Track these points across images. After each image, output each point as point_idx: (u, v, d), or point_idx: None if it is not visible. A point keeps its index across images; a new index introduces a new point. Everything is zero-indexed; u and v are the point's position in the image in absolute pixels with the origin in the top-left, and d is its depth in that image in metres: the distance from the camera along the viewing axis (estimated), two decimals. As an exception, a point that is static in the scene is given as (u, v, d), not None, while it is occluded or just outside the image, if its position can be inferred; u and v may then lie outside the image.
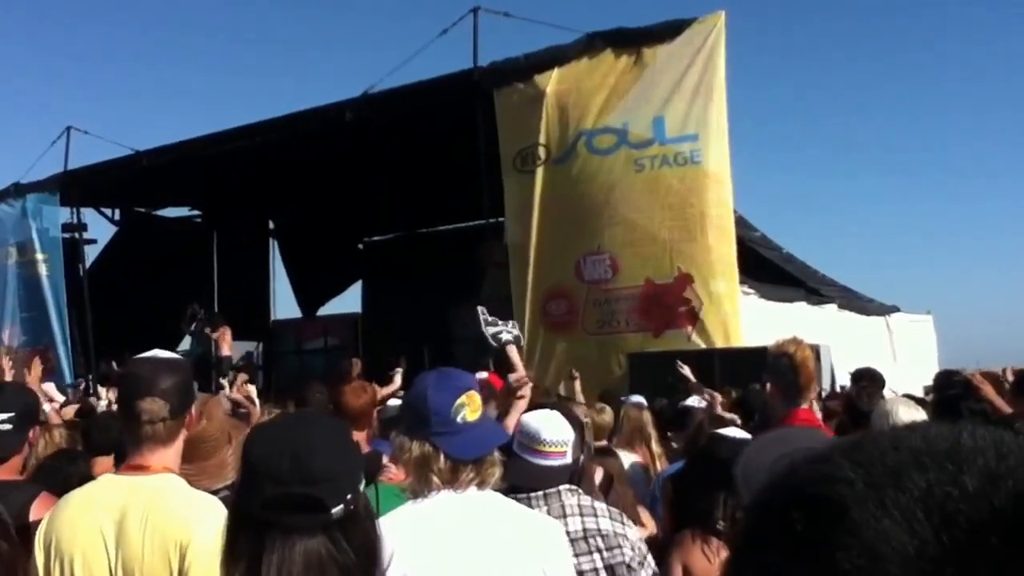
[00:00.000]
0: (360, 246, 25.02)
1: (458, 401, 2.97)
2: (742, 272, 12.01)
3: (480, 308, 6.78)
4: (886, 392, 8.59)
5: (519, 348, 6.81)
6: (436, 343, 18.30)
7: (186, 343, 22.54)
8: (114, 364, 19.30)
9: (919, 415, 4.82)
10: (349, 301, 24.43)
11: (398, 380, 10.90)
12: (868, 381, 8.01)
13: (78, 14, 45.45)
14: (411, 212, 22.04)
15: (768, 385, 4.79)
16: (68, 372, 18.70)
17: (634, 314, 12.18)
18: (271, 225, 23.89)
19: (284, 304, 24.45)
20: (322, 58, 48.39)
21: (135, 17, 46.13)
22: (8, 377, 6.64)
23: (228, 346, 18.79)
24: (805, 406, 4.57)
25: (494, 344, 6.66)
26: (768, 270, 14.59)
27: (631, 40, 12.57)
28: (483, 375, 7.35)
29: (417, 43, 14.38)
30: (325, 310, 24.32)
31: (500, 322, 6.83)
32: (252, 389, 11.04)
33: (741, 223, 13.04)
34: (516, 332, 6.84)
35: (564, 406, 4.89)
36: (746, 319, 11.67)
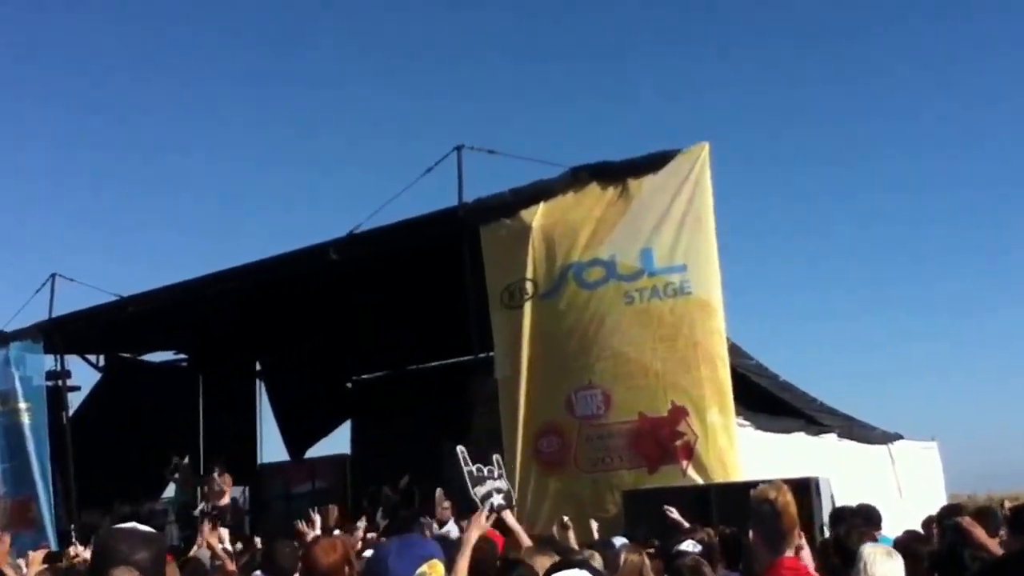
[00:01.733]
0: (349, 385, 24.72)
1: (420, 570, 2.89)
2: (737, 402, 11.73)
3: (460, 449, 6.47)
4: (886, 529, 8.32)
5: (511, 506, 6.46)
6: (427, 482, 17.91)
7: (170, 491, 22.09)
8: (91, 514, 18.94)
9: (896, 567, 4.95)
10: (338, 441, 24.01)
11: (360, 532, 10.54)
12: (862, 520, 7.77)
13: (60, 165, 46.09)
14: (399, 350, 21.89)
15: (751, 533, 4.65)
16: (50, 523, 18.27)
17: (628, 450, 11.83)
18: (258, 367, 23.62)
19: (272, 447, 23.98)
20: (306, 199, 48.97)
21: (117, 166, 46.72)
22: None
23: (228, 494, 18.16)
24: (790, 553, 4.49)
25: (486, 511, 6.37)
26: (764, 399, 14.30)
27: (616, 173, 12.57)
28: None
29: (402, 182, 14.47)
30: (314, 451, 23.86)
31: (485, 471, 6.50)
32: (224, 535, 10.63)
33: (735, 351, 12.83)
34: (505, 486, 6.49)
35: (591, 566, 4.59)
36: (743, 451, 11.35)
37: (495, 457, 6.70)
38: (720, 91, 50.95)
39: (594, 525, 9.98)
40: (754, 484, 5.80)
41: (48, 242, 44.10)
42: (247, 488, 21.74)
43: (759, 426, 12.83)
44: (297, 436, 23.49)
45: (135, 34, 47.62)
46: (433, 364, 22.24)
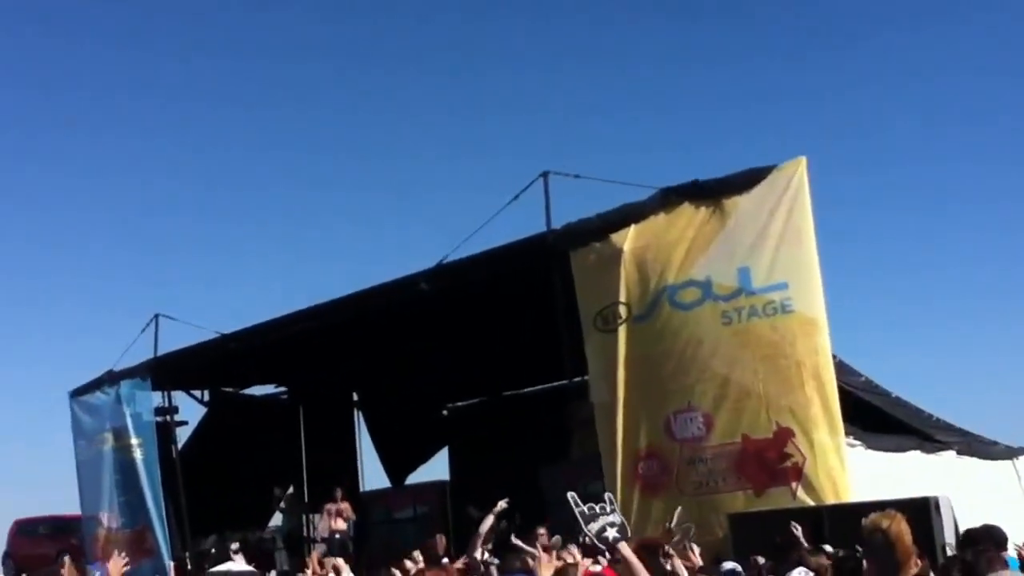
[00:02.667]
0: (444, 412, 24.85)
1: None
2: (846, 421, 11.43)
3: (571, 496, 6.46)
4: (1013, 549, 8.00)
5: (626, 538, 6.39)
6: (528, 507, 17.88)
7: (277, 519, 22.48)
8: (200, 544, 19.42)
9: None
10: (437, 468, 24.14)
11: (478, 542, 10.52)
12: (987, 542, 7.45)
13: (160, 206, 47.30)
14: (493, 376, 21.92)
15: (864, 563, 4.52)
16: (166, 552, 18.80)
17: (733, 472, 11.64)
18: (355, 397, 23.88)
19: (372, 476, 24.19)
20: (395, 228, 49.35)
21: (211, 208, 47.83)
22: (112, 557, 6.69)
23: (345, 519, 18.54)
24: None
25: (602, 546, 6.30)
26: (875, 417, 13.86)
27: (708, 192, 12.41)
28: (597, 568, 7.00)
29: (488, 211, 14.45)
30: (413, 478, 24.01)
31: (597, 508, 6.44)
32: (340, 563, 10.73)
33: (842, 369, 12.54)
34: (619, 520, 6.41)
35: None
36: (854, 472, 11.07)
37: (607, 495, 6.64)
38: (817, 100, 49.42)
39: (696, 550, 9.86)
40: (869, 505, 5.66)
41: (149, 284, 45.29)
42: (320, 517, 21.98)
43: (871, 445, 12.49)
44: (397, 464, 23.68)
45: (230, 67, 48.78)
46: (528, 390, 22.24)
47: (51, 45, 46.03)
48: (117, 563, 6.65)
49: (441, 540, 13.32)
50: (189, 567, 16.80)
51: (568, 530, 13.47)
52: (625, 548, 6.26)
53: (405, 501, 21.34)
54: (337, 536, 17.67)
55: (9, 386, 48.13)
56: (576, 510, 6.21)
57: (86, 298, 48.93)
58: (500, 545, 14.07)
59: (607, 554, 8.44)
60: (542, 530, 13.34)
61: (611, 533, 6.24)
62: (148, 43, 47.16)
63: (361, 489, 23.62)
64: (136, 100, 47.88)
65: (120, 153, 48.25)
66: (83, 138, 47.98)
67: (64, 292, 48.38)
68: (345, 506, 18.40)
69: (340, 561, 12.00)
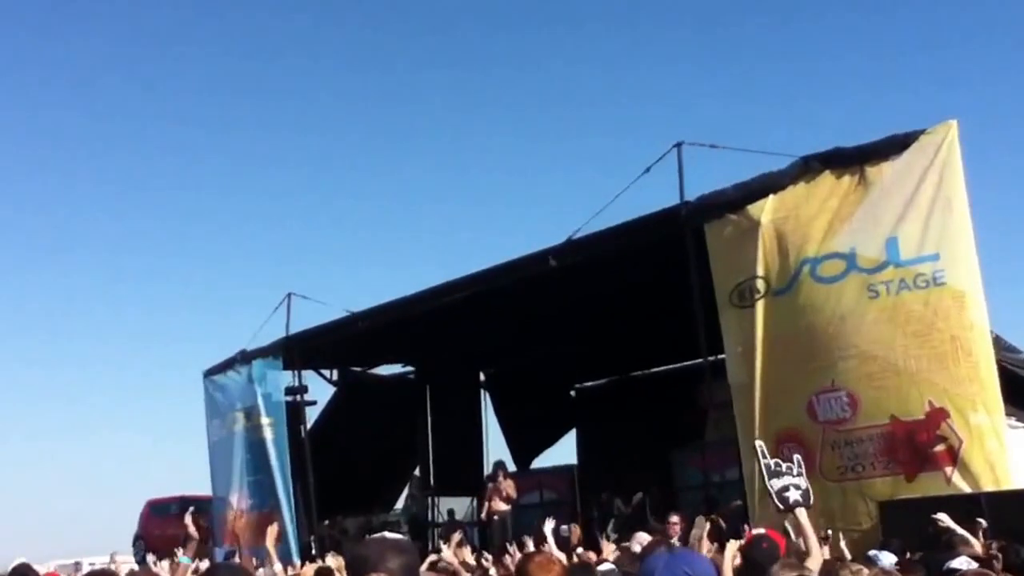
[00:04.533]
0: (572, 393, 24.50)
1: None
2: (1006, 401, 10.65)
3: (758, 444, 6.05)
4: None
5: (808, 505, 5.93)
6: (659, 491, 17.45)
7: (402, 501, 22.51)
8: (331, 526, 19.43)
9: None
10: (564, 451, 23.79)
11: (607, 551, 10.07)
12: None
13: (292, 186, 48.32)
14: (623, 355, 21.47)
15: None
16: (292, 535, 18.76)
17: (881, 456, 10.95)
18: (482, 377, 23.72)
19: (498, 456, 23.99)
20: (524, 204, 49.23)
21: (344, 188, 48.58)
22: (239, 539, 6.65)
23: (506, 500, 17.32)
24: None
25: (781, 506, 5.84)
26: (1038, 397, 12.95)
27: (851, 160, 11.69)
28: (761, 530, 6.53)
29: (620, 183, 14.01)
30: (539, 461, 23.71)
31: (783, 467, 5.99)
32: (466, 552, 10.47)
33: (1000, 345, 11.70)
34: (805, 485, 5.97)
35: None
36: (1015, 456, 10.27)
37: (796, 457, 6.17)
38: (966, 72, 46.89)
39: (842, 540, 9.28)
40: None
41: (283, 263, 46.29)
42: (474, 499, 21.84)
43: (1034, 426, 11.64)
44: (523, 447, 23.41)
45: (352, 57, 49.36)
46: (659, 369, 21.74)
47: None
48: (273, 530, 6.53)
49: (577, 531, 12.90)
50: (314, 550, 16.73)
51: (697, 515, 13.07)
52: (803, 515, 5.81)
53: (531, 487, 21.03)
54: (496, 518, 17.11)
55: (145, 366, 49.98)
56: (763, 462, 5.89)
57: (220, 278, 50.40)
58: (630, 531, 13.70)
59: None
60: (675, 518, 12.89)
61: (793, 495, 5.84)
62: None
63: (485, 472, 23.52)
64: (258, 94, 48.84)
65: (249, 139, 49.41)
66: (217, 125, 49.27)
67: (199, 272, 49.98)
68: (508, 484, 17.41)
69: (466, 551, 11.56)
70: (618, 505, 17.77)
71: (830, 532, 8.48)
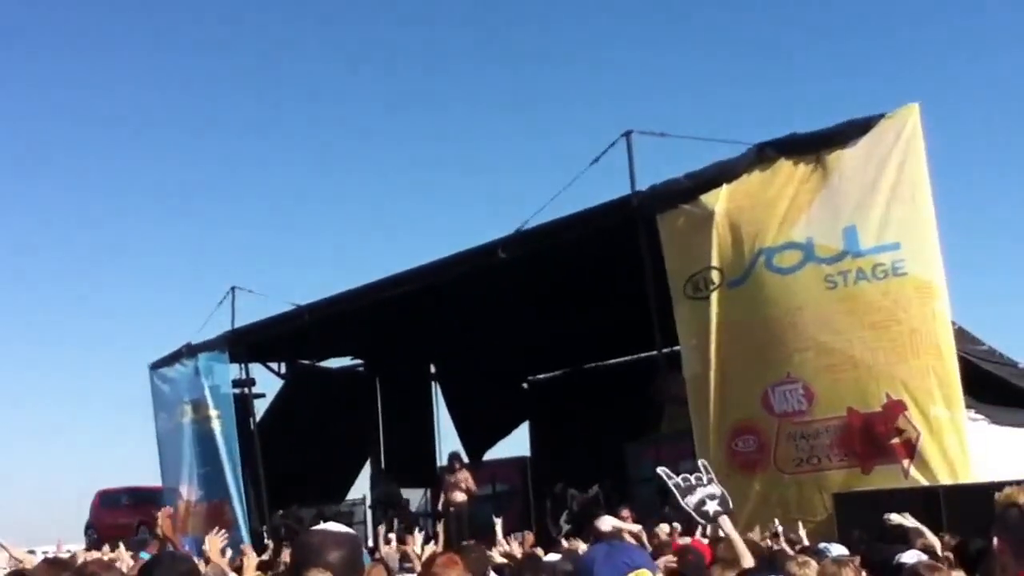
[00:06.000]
0: (524, 385, 24.34)
1: None
2: (967, 394, 10.54)
3: (662, 470, 5.91)
4: None
5: (728, 511, 5.79)
6: (612, 484, 17.29)
7: (354, 492, 22.27)
8: (285, 516, 19.18)
9: None
10: (516, 444, 23.61)
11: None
12: None
13: (235, 178, 47.64)
14: (576, 347, 21.34)
15: (995, 540, 3.79)
16: (244, 525, 18.71)
17: (837, 448, 10.83)
18: (433, 370, 23.50)
19: (449, 448, 23.74)
20: (471, 197, 48.92)
21: (287, 180, 47.97)
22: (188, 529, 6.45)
23: (465, 491, 16.85)
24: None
25: (702, 521, 5.67)
26: (1000, 390, 12.87)
27: (808, 146, 11.53)
28: (686, 539, 6.41)
29: (569, 174, 13.76)
30: (492, 453, 23.53)
31: (692, 479, 5.87)
32: (418, 541, 10.18)
33: (962, 337, 11.62)
34: (718, 491, 5.87)
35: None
36: (976, 449, 10.17)
37: (701, 463, 6.08)
38: (928, 54, 46.55)
39: (802, 530, 9.13)
40: (993, 485, 5.00)
41: (225, 256, 45.66)
42: (428, 491, 21.62)
43: (995, 420, 11.61)
44: (475, 439, 23.23)
45: (299, 49, 48.72)
46: (613, 361, 21.63)
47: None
48: (215, 540, 6.27)
49: (530, 537, 12.67)
50: (266, 540, 16.48)
51: (652, 509, 12.91)
52: (727, 523, 5.69)
53: (484, 478, 20.81)
54: (452, 509, 16.75)
55: (91, 360, 49.12)
56: (670, 483, 5.74)
57: (164, 272, 49.62)
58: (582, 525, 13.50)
59: (706, 531, 7.78)
60: (626, 511, 12.71)
61: (712, 506, 5.75)
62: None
63: (438, 464, 23.27)
64: (201, 87, 48.08)
65: (192, 134, 48.62)
66: (161, 119, 48.43)
67: (142, 266, 49.14)
68: (465, 475, 16.98)
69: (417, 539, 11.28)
70: (572, 495, 17.59)
71: (780, 527, 8.28)
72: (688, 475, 5.96)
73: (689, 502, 5.72)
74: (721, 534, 7.73)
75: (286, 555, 10.19)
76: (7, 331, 45.60)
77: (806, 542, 8.62)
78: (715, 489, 5.88)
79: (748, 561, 5.50)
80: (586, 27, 50.77)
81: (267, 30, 48.25)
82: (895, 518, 8.14)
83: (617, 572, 2.81)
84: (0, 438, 46.21)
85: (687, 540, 7.80)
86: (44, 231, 47.68)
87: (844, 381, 10.82)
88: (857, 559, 6.78)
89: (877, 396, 10.54)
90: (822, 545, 7.47)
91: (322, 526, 3.02)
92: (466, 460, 19.43)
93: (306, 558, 2.81)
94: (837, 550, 7.09)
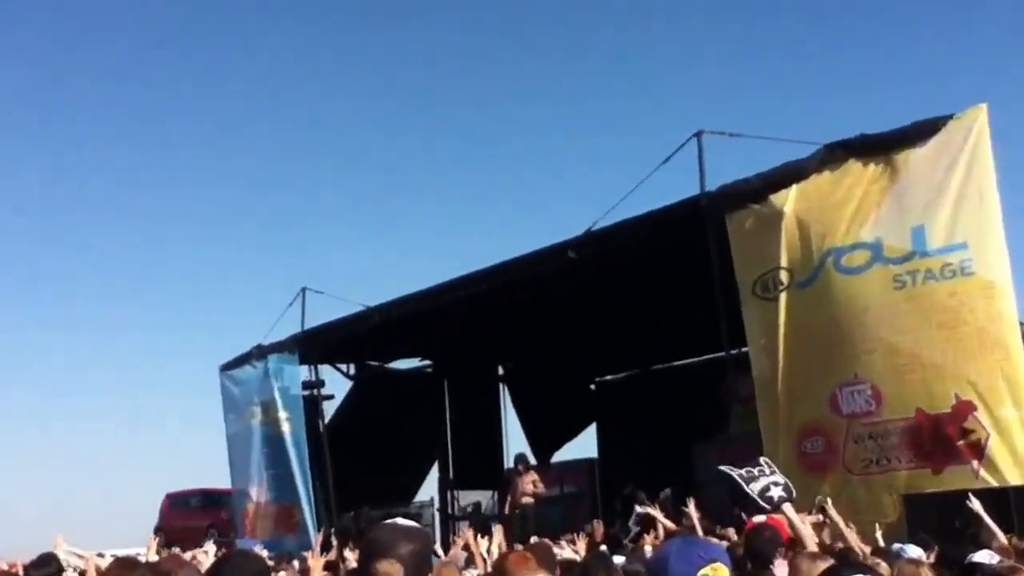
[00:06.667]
0: (592, 387, 24.35)
1: (702, 572, 2.77)
2: (1037, 393, 10.39)
3: (726, 468, 5.97)
4: None
5: (791, 498, 5.85)
6: (680, 486, 17.26)
7: (421, 495, 22.43)
8: (355, 517, 19.36)
9: None
10: (584, 446, 23.64)
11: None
12: None
13: (306, 181, 48.37)
14: (644, 349, 21.32)
15: None
16: (311, 528, 18.71)
17: (907, 449, 10.73)
18: (501, 371, 23.60)
19: (517, 450, 23.84)
20: (543, 202, 49.00)
21: (358, 182, 48.57)
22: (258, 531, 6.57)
23: (531, 493, 17.00)
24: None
25: (767, 507, 5.74)
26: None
27: (877, 147, 11.46)
28: (761, 518, 6.44)
29: (639, 174, 13.82)
30: (560, 455, 23.59)
31: (755, 471, 5.93)
32: (483, 543, 10.32)
33: (1031, 336, 11.44)
34: (781, 479, 5.93)
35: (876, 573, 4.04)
36: (1047, 450, 10.03)
37: (762, 459, 6.13)
38: (997, 57, 45.74)
39: (879, 531, 9.10)
40: None
41: (296, 257, 46.34)
42: (495, 493, 21.76)
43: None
44: (543, 440, 23.31)
45: (373, 53, 49.33)
46: (681, 363, 21.59)
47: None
48: (318, 561, 6.51)
49: (600, 528, 12.72)
50: (334, 543, 16.65)
51: (721, 511, 12.89)
52: (790, 510, 5.76)
53: (552, 480, 20.89)
54: (518, 511, 16.64)
55: (162, 361, 50.14)
56: (733, 474, 5.82)
57: (235, 273, 50.45)
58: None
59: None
60: (691, 508, 12.69)
61: (776, 492, 5.80)
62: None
63: (505, 467, 23.41)
64: (274, 90, 48.87)
65: (265, 135, 49.44)
66: (232, 121, 49.35)
67: (214, 268, 50.02)
68: (531, 478, 16.97)
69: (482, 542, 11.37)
70: (641, 497, 17.61)
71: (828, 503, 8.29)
72: (751, 468, 6.03)
73: (753, 488, 5.79)
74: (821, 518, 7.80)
75: (351, 556, 10.34)
76: (79, 335, 46.75)
77: (881, 543, 8.60)
78: (778, 478, 5.96)
79: (811, 544, 5.58)
80: (658, 27, 50.64)
81: (357, 31, 48.96)
82: (975, 504, 8.06)
83: (692, 565, 2.80)
84: (72, 441, 47.35)
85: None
86: (116, 233, 48.88)
87: (912, 381, 10.72)
88: (932, 557, 6.82)
89: (946, 396, 10.43)
90: (896, 546, 7.46)
91: (392, 521, 3.00)
92: (533, 462, 19.58)
93: (376, 550, 2.81)
94: (913, 551, 7.09)
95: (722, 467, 6.36)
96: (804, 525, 5.66)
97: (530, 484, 16.87)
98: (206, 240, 49.44)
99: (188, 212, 49.46)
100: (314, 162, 49.34)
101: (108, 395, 49.18)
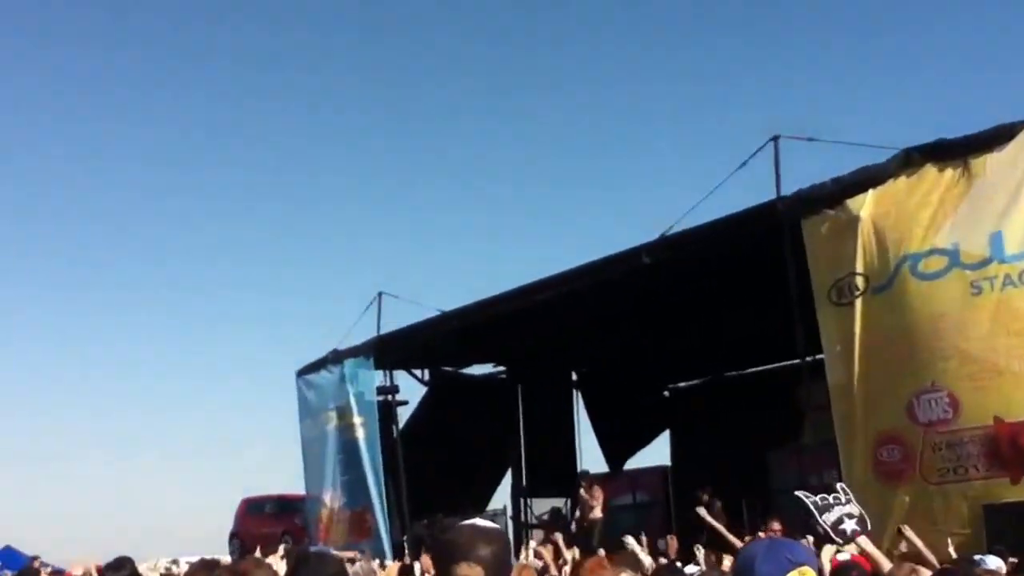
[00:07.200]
0: (666, 394, 24.21)
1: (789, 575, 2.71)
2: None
3: (802, 494, 5.93)
4: None
5: (866, 531, 5.78)
6: (755, 495, 17.13)
7: (494, 503, 22.45)
8: (428, 524, 19.45)
9: None
10: (657, 453, 23.50)
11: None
12: None
13: (384, 184, 48.85)
14: (718, 355, 21.13)
15: None
16: (385, 534, 18.88)
17: (984, 458, 10.56)
18: (574, 376, 23.58)
19: (590, 457, 23.83)
20: (617, 205, 48.76)
21: (434, 187, 48.93)
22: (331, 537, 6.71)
23: (599, 507, 17.44)
24: None
25: (839, 540, 5.70)
26: None
27: (954, 152, 11.31)
28: (845, 556, 6.40)
29: (715, 178, 13.80)
30: (633, 462, 23.48)
31: (830, 498, 5.87)
32: (546, 551, 10.41)
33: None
34: (856, 511, 5.84)
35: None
36: None
37: (839, 485, 6.06)
38: None
39: (951, 546, 8.96)
40: None
41: (373, 262, 46.79)
42: (568, 500, 21.74)
43: None
44: (615, 447, 23.19)
45: (432, 52, 49.78)
46: (755, 369, 21.37)
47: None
48: (393, 567, 6.62)
49: (672, 542, 12.71)
50: (407, 549, 16.75)
51: (796, 520, 12.75)
52: (867, 542, 5.67)
53: (623, 487, 20.84)
54: (585, 525, 16.85)
55: (239, 366, 51.02)
56: (808, 501, 5.75)
57: (313, 278, 51.08)
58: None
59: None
60: (776, 524, 12.61)
61: (849, 525, 5.70)
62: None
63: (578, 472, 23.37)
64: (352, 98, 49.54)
65: (341, 142, 50.11)
66: (310, 130, 50.14)
67: (291, 273, 50.74)
68: (595, 493, 17.30)
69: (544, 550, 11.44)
70: (716, 505, 17.50)
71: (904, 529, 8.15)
72: (826, 495, 5.97)
73: (827, 519, 5.73)
74: (903, 547, 7.69)
75: (424, 562, 10.42)
76: (157, 339, 47.76)
77: (953, 554, 8.47)
78: (853, 508, 5.86)
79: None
80: (735, 34, 50.25)
81: (414, 41, 49.50)
82: None
83: (780, 568, 2.73)
84: (148, 445, 48.36)
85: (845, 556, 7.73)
86: (192, 238, 49.83)
87: (988, 389, 10.56)
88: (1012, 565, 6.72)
89: (1023, 405, 10.26)
90: (976, 557, 7.36)
91: (470, 522, 2.86)
92: (593, 474, 19.59)
93: (455, 553, 2.70)
94: (992, 562, 6.99)
95: (797, 492, 6.31)
96: (881, 557, 5.60)
97: (594, 499, 16.93)
98: (284, 244, 50.23)
99: (267, 215, 50.31)
100: (391, 169, 49.89)
101: (187, 399, 50.19)
